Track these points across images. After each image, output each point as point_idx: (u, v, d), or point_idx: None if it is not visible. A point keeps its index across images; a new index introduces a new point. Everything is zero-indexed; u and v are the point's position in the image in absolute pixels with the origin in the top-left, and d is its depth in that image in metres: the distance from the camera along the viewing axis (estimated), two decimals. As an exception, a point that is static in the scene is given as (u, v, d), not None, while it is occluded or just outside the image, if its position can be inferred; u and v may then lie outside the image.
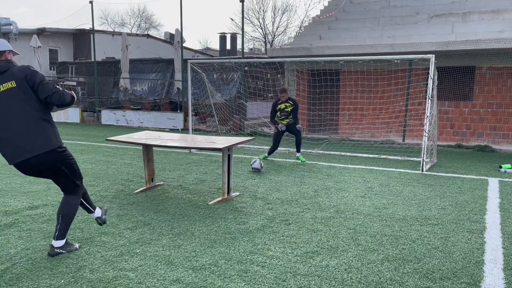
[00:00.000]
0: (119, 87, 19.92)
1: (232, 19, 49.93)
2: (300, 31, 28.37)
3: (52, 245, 3.65)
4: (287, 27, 49.56)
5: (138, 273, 3.38)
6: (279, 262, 3.63)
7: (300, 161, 8.80)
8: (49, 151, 3.45)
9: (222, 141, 5.83)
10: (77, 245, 3.83)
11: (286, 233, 4.37)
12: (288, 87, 14.43)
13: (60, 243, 3.66)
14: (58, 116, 18.98)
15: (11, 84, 3.44)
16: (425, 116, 8.17)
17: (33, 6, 66.37)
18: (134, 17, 50.34)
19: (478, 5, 12.90)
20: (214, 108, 11.90)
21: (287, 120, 8.82)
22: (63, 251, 3.66)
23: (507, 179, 7.38)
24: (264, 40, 40.12)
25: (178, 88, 17.94)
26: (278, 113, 8.85)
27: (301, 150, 9.07)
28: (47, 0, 66.93)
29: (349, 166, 8.47)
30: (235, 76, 17.39)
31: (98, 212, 4.08)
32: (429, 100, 8.17)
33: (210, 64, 15.03)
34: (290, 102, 8.80)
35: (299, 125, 8.88)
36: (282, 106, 8.80)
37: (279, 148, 10.17)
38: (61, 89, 3.59)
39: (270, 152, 9.12)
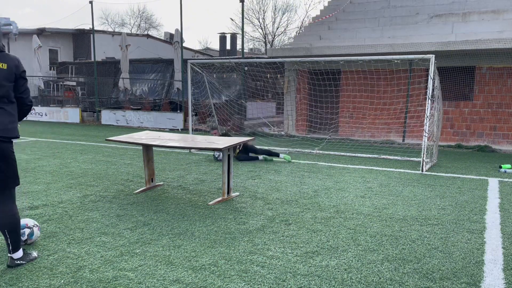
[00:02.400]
0: (119, 87, 19.93)
1: (232, 19, 49.92)
2: (300, 31, 28.36)
3: (11, 257, 3.46)
4: (287, 27, 49.62)
5: (138, 273, 3.38)
6: (279, 262, 3.63)
7: (286, 160, 8.78)
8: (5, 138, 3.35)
9: (222, 141, 5.83)
10: (35, 253, 3.65)
11: (286, 233, 4.37)
12: (289, 87, 14.44)
13: (19, 254, 3.49)
14: (58, 116, 18.99)
15: (2, 65, 3.43)
16: (425, 116, 8.17)
17: (37, 7, 66.54)
18: (134, 17, 50.38)
19: (478, 5, 12.91)
20: (214, 108, 11.90)
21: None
22: (24, 262, 3.49)
23: (507, 179, 7.38)
24: (264, 40, 40.13)
25: (178, 88, 17.95)
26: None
27: (301, 149, 9.04)
28: (51, 1, 67.08)
29: (349, 166, 8.47)
30: (235, 76, 17.39)
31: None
32: (429, 100, 8.17)
33: (210, 64, 15.03)
34: None
35: (261, 157, 8.90)
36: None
37: (279, 148, 10.17)
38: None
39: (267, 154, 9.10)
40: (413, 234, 4.39)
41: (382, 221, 4.84)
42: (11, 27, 22.15)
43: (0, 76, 3.41)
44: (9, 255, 3.48)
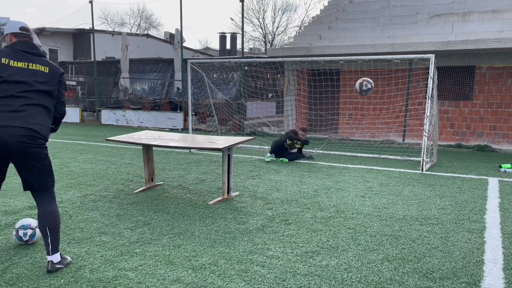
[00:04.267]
0: (119, 86, 19.94)
1: (232, 19, 49.98)
2: (300, 31, 28.36)
3: (51, 262, 3.36)
4: (287, 27, 49.66)
5: (138, 273, 3.38)
6: (279, 262, 3.63)
7: (265, 160, 8.85)
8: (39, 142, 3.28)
9: (222, 141, 5.83)
10: (69, 258, 3.57)
11: (286, 233, 4.37)
12: (289, 87, 14.43)
13: (58, 257, 3.40)
14: (58, 116, 18.98)
15: (44, 68, 3.43)
16: (425, 116, 8.17)
17: (39, 7, 66.62)
18: (134, 16, 50.44)
19: (478, 5, 12.90)
20: (214, 108, 11.90)
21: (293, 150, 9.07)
22: (62, 266, 3.41)
23: (507, 179, 7.38)
24: (264, 40, 40.16)
25: (178, 88, 17.96)
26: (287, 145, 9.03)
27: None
28: (53, 0, 67.14)
29: (349, 166, 8.47)
30: (235, 76, 17.40)
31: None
32: (429, 100, 8.17)
33: (210, 64, 15.03)
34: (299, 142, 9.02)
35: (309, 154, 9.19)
36: (289, 142, 8.95)
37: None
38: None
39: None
40: (413, 234, 4.39)
41: (382, 220, 4.84)
42: (11, 26, 22.13)
43: (39, 78, 3.37)
44: (48, 258, 3.36)
